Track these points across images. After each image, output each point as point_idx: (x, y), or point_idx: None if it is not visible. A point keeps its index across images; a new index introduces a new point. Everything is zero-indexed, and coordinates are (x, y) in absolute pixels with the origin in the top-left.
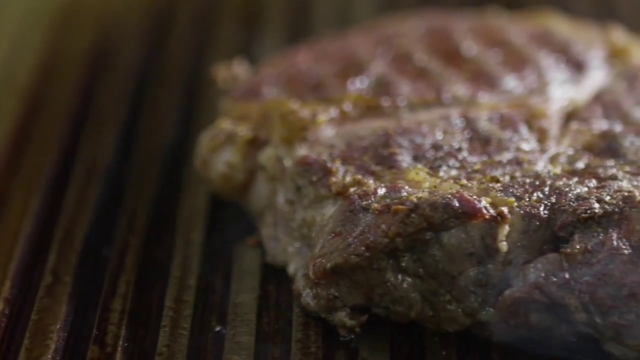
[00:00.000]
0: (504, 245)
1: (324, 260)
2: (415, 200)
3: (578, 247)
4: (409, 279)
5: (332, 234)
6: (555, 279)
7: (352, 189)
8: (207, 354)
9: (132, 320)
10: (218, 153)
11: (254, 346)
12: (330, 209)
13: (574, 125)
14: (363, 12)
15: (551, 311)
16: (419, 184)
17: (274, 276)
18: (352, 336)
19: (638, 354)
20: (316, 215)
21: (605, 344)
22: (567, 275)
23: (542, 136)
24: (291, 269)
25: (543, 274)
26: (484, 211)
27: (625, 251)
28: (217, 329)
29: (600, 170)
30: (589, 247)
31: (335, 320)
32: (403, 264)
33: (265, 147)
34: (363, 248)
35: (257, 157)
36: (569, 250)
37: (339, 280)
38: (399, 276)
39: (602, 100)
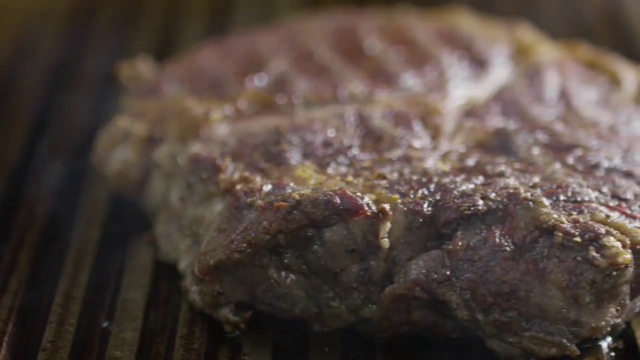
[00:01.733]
0: (385, 242)
1: (207, 257)
2: (297, 197)
3: (460, 243)
4: (292, 276)
5: (217, 231)
6: (436, 276)
7: (238, 186)
8: (92, 349)
9: (20, 317)
10: (114, 150)
11: (138, 342)
12: (218, 206)
13: (469, 123)
14: (286, 8)
15: (433, 308)
16: (305, 181)
17: (166, 273)
18: (237, 332)
19: (520, 351)
20: (205, 212)
21: (488, 341)
22: (448, 272)
23: (435, 133)
24: (182, 265)
25: (424, 271)
26: (366, 208)
27: (508, 248)
28: (105, 324)
29: (488, 168)
30: (471, 243)
31: (219, 317)
32: (286, 261)
33: (161, 144)
34: (245, 245)
35: (152, 155)
36: (450, 247)
37: (222, 277)
38: (282, 273)
39: (501, 98)
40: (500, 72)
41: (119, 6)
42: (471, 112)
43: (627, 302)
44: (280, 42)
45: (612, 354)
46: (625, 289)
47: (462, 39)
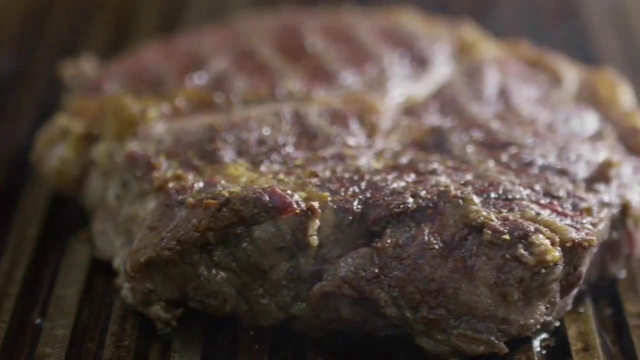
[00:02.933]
0: (314, 240)
1: (138, 255)
2: (227, 194)
3: (389, 241)
4: (223, 273)
5: (149, 229)
6: (364, 274)
7: (170, 184)
8: (23, 346)
9: None
10: (52, 148)
11: (69, 339)
12: (152, 204)
13: (406, 121)
14: (239, 6)
15: (362, 305)
16: (237, 179)
17: (102, 271)
18: (169, 329)
19: (449, 349)
20: (139, 210)
21: (417, 338)
22: (376, 270)
23: (371, 131)
24: (116, 263)
25: (353, 268)
26: (295, 206)
27: (436, 246)
28: (37, 321)
29: (421, 166)
30: (400, 241)
31: (151, 314)
32: (216, 258)
33: (99, 142)
34: (174, 242)
35: (90, 153)
36: (379, 245)
37: (153, 274)
38: (212, 270)
39: (441, 96)
40: (442, 70)
41: (72, 8)
42: (410, 110)
43: (558, 300)
44: (223, 40)
45: (544, 351)
46: (555, 286)
47: (404, 38)
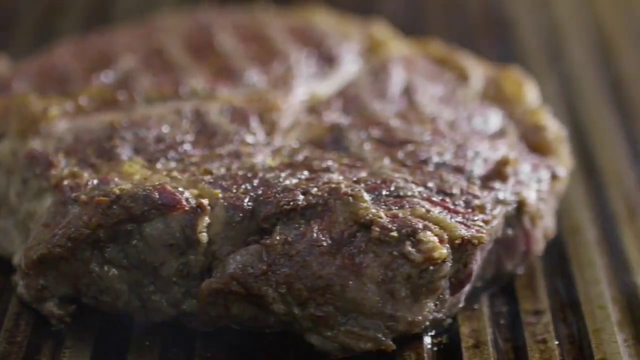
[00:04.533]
0: (203, 237)
1: (31, 252)
2: (117, 191)
3: (278, 238)
4: (115, 270)
5: (43, 226)
6: (252, 270)
7: (65, 182)
8: None
9: None
10: None
11: None
12: (49, 202)
13: (307, 119)
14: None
15: (251, 302)
16: (131, 176)
17: (3, 268)
18: (62, 326)
19: (337, 345)
20: (37, 207)
21: (306, 335)
22: (264, 267)
23: (271, 129)
24: (16, 260)
25: (241, 265)
26: (184, 203)
27: (325, 243)
28: None
29: (316, 163)
30: (289, 238)
31: (45, 310)
32: (107, 255)
33: (3, 140)
34: (65, 239)
35: None
36: (268, 242)
37: (46, 271)
38: (104, 267)
39: (345, 94)
40: (349, 68)
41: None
42: (313, 108)
43: (448, 297)
44: (135, 39)
45: (435, 348)
46: (444, 283)
47: (314, 37)
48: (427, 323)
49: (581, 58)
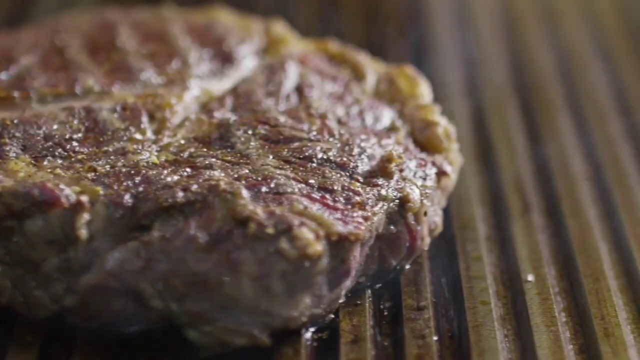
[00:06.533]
0: (82, 233)
1: None
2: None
3: (156, 234)
4: None
5: None
6: (130, 266)
7: None
8: None
9: None
10: None
11: None
12: None
13: (198, 116)
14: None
15: (130, 298)
16: (16, 174)
17: None
18: None
19: (215, 341)
20: None
21: (184, 330)
22: (142, 263)
23: (161, 126)
24: None
25: (119, 262)
26: (63, 200)
27: (202, 239)
28: None
29: (199, 160)
30: (167, 235)
31: None
32: None
33: None
34: None
35: None
36: (146, 238)
37: None
38: None
39: (237, 91)
40: (245, 66)
41: None
42: (205, 105)
43: (325, 293)
44: (39, 37)
45: (315, 344)
46: (321, 280)
47: (214, 35)
48: (305, 319)
49: (489, 43)
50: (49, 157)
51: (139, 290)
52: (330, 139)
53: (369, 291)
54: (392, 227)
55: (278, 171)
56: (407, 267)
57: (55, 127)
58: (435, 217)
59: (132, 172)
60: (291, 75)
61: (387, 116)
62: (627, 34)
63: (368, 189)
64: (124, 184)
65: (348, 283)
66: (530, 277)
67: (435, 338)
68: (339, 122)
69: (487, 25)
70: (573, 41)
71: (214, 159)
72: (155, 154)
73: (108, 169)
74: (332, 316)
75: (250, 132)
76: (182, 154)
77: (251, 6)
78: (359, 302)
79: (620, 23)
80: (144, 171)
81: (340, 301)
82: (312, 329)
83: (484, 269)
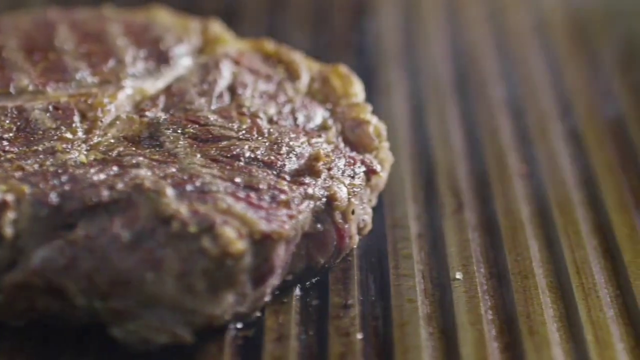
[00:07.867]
0: (7, 232)
1: None
2: None
3: (80, 233)
4: None
5: None
6: (54, 265)
7: None
8: None
9: None
10: None
11: None
12: None
13: (129, 115)
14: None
15: (55, 296)
16: None
17: None
18: None
19: (138, 338)
20: None
21: (109, 328)
22: (66, 261)
23: (92, 126)
24: None
25: (43, 259)
26: None
27: (125, 238)
28: None
29: (127, 159)
30: (91, 233)
31: None
32: None
33: None
34: None
35: None
36: (71, 237)
37: None
38: None
39: (170, 90)
40: (181, 65)
41: None
42: (138, 104)
43: (249, 291)
44: None
45: (240, 342)
46: (244, 277)
47: (152, 35)
48: (229, 317)
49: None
50: None
51: (63, 288)
52: (260, 138)
53: (297, 289)
54: (319, 226)
55: (204, 170)
56: (336, 265)
57: None
58: (364, 216)
59: (60, 171)
60: (225, 74)
61: (319, 115)
62: (571, 30)
63: (294, 187)
64: (51, 182)
65: (273, 281)
66: (458, 275)
67: (359, 336)
68: (270, 121)
69: (433, 21)
70: (519, 42)
71: (141, 158)
72: (85, 153)
73: (36, 168)
74: (259, 314)
75: (179, 131)
76: (110, 153)
77: (199, 7)
78: (285, 300)
79: (565, 20)
80: (71, 170)
81: (266, 299)
82: (237, 327)
83: (413, 267)
